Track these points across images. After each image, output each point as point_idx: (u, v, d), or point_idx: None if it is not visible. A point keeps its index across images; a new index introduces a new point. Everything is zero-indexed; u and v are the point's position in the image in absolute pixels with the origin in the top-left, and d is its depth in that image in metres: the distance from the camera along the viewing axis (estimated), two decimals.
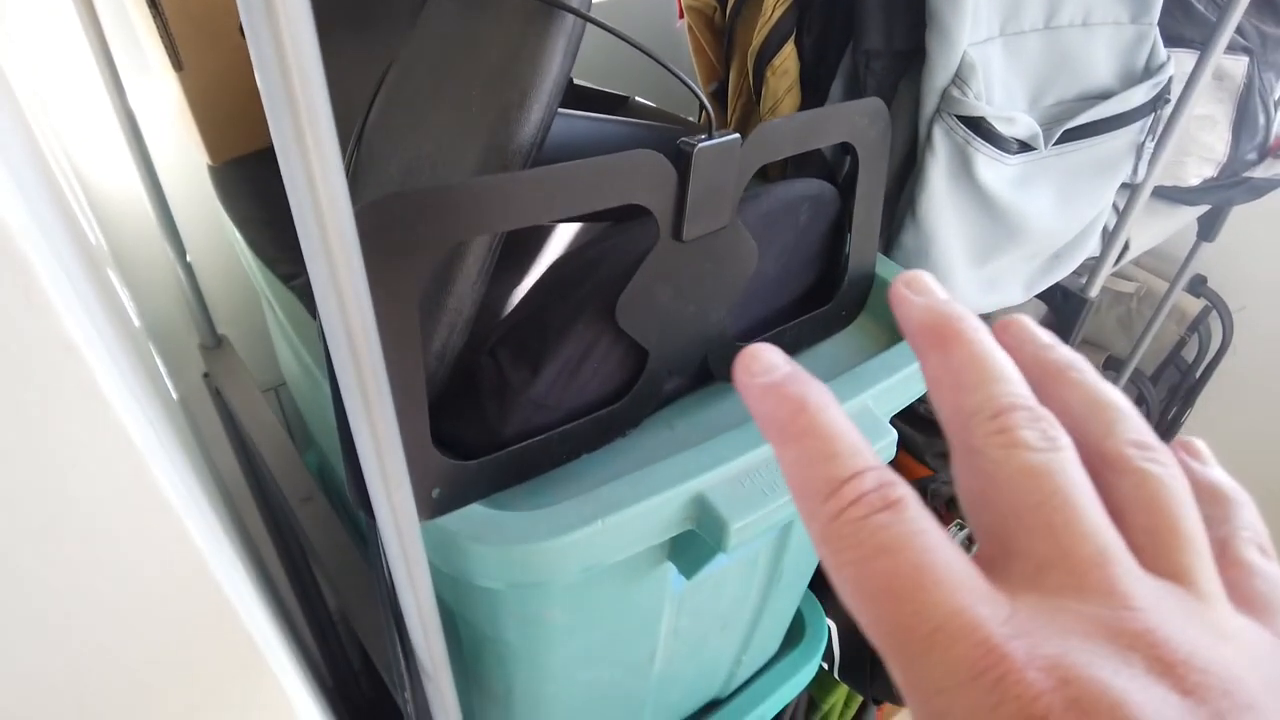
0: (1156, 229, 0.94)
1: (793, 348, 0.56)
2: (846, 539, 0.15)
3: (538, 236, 0.57)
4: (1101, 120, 0.66)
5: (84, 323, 0.22)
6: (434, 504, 0.39)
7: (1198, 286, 1.31)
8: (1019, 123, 0.60)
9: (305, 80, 0.19)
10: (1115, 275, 1.32)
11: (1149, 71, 0.67)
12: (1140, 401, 1.39)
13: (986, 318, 0.76)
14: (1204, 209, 1.04)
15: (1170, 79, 0.68)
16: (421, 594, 0.37)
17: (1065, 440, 0.16)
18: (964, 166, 0.60)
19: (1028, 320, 0.20)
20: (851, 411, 0.49)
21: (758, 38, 0.64)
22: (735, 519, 0.41)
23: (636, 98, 0.71)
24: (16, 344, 0.20)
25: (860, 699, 1.30)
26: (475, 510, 0.40)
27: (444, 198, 0.32)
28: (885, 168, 0.54)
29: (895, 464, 1.02)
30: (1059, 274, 0.76)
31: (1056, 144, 0.65)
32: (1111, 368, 1.34)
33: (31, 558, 0.24)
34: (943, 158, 0.60)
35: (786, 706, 1.16)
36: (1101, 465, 0.17)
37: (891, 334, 0.57)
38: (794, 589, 0.71)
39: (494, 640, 0.50)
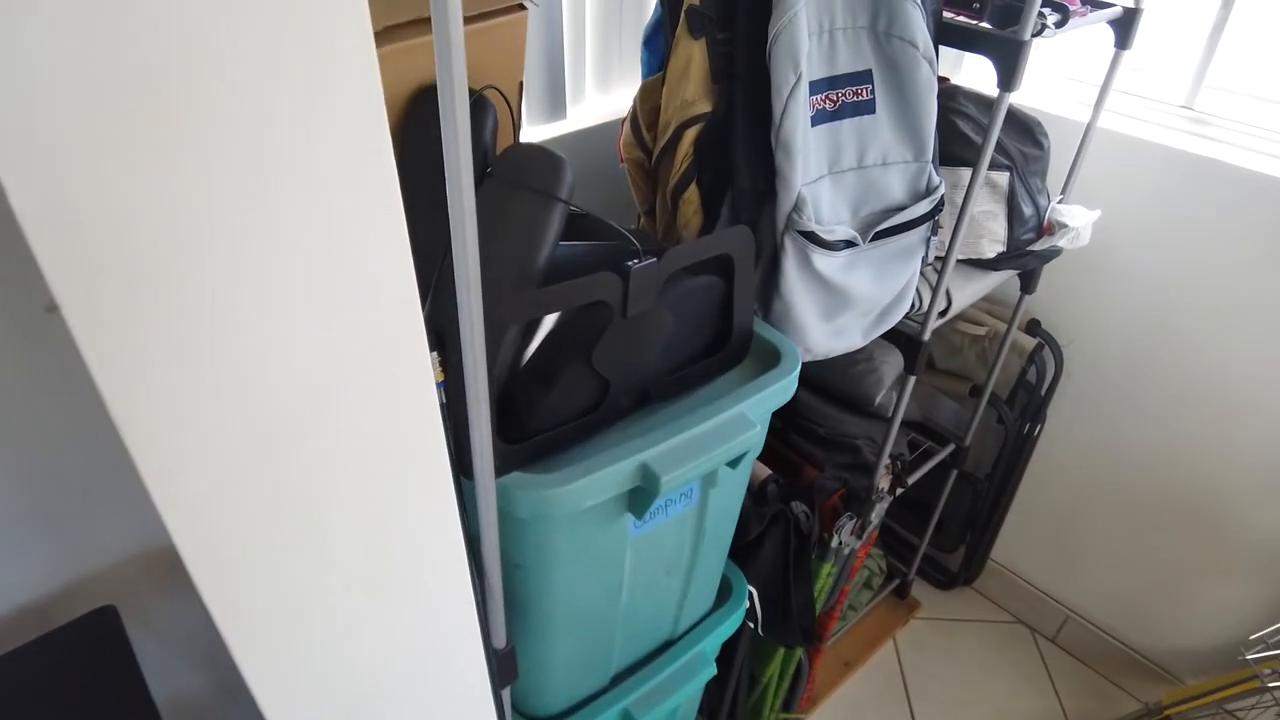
0: (971, 290, 1.29)
1: (704, 378, 0.88)
2: None
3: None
4: (899, 224, 1.01)
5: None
6: (495, 470, 0.69)
7: (1033, 328, 1.68)
8: (838, 232, 0.95)
9: (469, 235, 0.51)
10: (969, 322, 1.68)
11: (929, 191, 1.03)
12: (1000, 421, 1.75)
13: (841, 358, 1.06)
14: (1012, 273, 1.40)
15: (942, 197, 1.04)
16: (490, 520, 0.68)
17: None
18: (806, 261, 0.94)
19: None
20: (734, 417, 0.81)
21: (673, 179, 0.98)
22: (665, 474, 0.73)
23: (593, 213, 1.04)
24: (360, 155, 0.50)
25: (793, 671, 1.59)
26: (516, 473, 0.71)
27: (514, 300, 0.63)
28: (752, 266, 0.87)
29: (796, 468, 1.34)
30: (887, 325, 1.10)
31: (871, 241, 1.00)
32: (975, 394, 1.70)
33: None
34: (792, 255, 0.94)
35: (731, 682, 1.46)
36: None
37: (760, 369, 0.89)
38: (717, 548, 1.02)
39: (519, 567, 0.80)
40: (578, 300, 0.68)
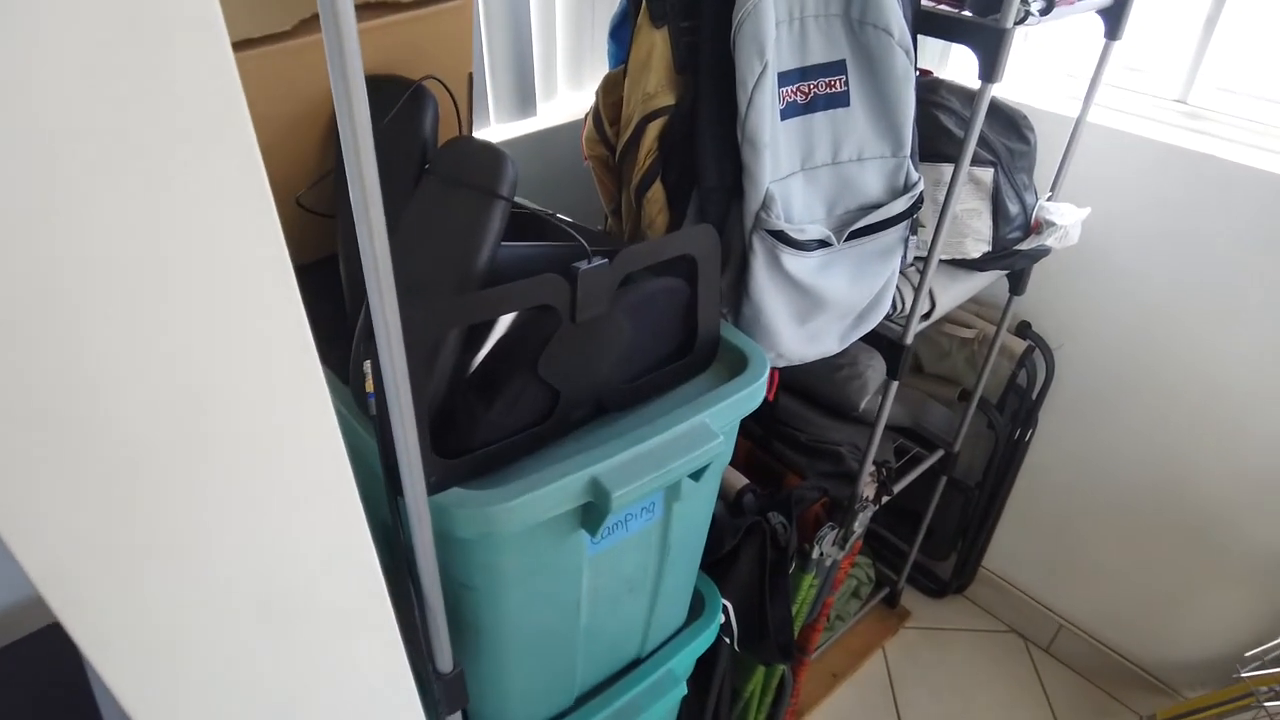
0: (956, 291, 1.24)
1: (665, 387, 0.83)
2: None
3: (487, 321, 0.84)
4: (876, 223, 0.96)
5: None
6: (431, 487, 0.65)
7: (1024, 330, 1.63)
8: (811, 231, 0.90)
9: (379, 233, 0.46)
10: (957, 324, 1.63)
11: (907, 188, 0.98)
12: (990, 426, 1.70)
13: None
14: (1000, 273, 1.35)
15: (921, 194, 0.99)
16: (426, 540, 0.63)
17: None
18: (775, 262, 0.89)
19: None
20: (694, 427, 0.76)
21: (636, 177, 0.93)
22: (615, 490, 0.68)
23: (558, 215, 0.99)
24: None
25: (776, 684, 1.54)
26: (456, 490, 0.66)
27: (443, 305, 0.59)
28: (718, 268, 0.83)
29: (778, 477, 1.29)
30: (865, 329, 1.05)
31: (847, 240, 0.95)
32: (964, 399, 1.65)
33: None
34: (761, 256, 0.89)
35: (712, 697, 1.41)
36: None
37: (728, 376, 0.85)
38: (685, 563, 0.97)
39: (468, 588, 0.75)
40: (517, 305, 0.64)
